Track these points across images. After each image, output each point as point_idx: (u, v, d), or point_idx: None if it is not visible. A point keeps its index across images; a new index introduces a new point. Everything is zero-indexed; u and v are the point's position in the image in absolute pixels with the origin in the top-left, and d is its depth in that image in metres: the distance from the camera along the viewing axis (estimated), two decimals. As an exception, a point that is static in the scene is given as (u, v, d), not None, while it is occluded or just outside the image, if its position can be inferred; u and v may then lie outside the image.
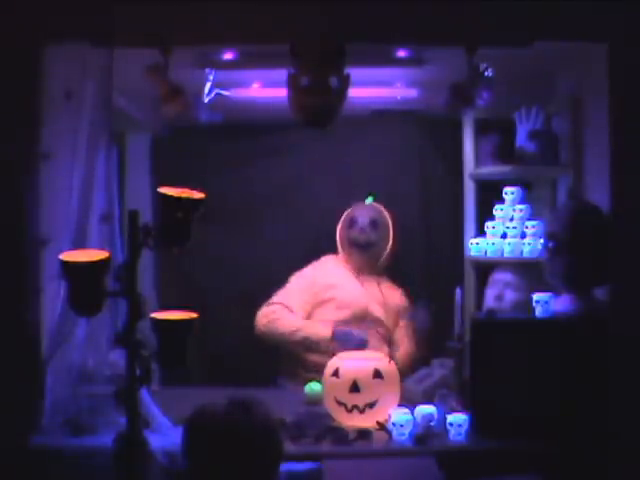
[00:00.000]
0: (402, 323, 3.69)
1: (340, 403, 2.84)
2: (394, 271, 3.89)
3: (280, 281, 3.75)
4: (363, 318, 3.59)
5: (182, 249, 2.29)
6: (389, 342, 3.49)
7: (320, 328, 3.52)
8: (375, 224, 3.76)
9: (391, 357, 3.03)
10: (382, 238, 3.76)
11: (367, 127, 4.12)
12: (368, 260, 3.75)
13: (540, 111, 3.51)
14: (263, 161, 4.15)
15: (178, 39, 2.72)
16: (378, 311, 3.64)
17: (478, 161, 3.66)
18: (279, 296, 3.66)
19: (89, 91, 2.79)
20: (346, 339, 3.40)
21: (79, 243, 2.72)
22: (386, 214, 3.82)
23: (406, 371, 3.28)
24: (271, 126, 3.98)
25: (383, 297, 3.69)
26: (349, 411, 2.82)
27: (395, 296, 3.75)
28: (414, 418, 2.72)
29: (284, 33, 2.72)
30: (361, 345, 3.36)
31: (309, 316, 3.66)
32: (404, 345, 3.64)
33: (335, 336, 3.44)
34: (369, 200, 3.87)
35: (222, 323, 4.00)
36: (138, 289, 2.25)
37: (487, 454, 2.64)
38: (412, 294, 4.06)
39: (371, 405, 2.81)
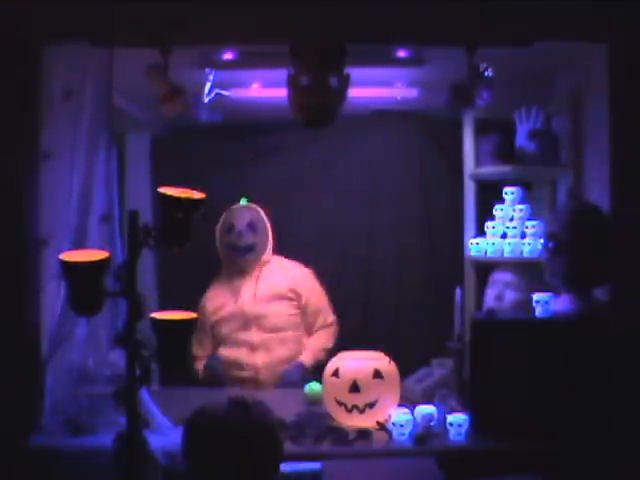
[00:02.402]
0: (313, 304, 3.75)
1: (340, 403, 2.84)
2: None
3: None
4: (249, 321, 3.63)
5: (182, 249, 2.29)
6: (300, 325, 3.67)
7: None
8: (252, 226, 3.74)
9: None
10: (261, 238, 3.76)
11: (367, 127, 4.12)
12: (249, 261, 3.74)
13: (540, 111, 3.51)
14: (263, 161, 4.16)
15: (178, 39, 2.72)
16: (269, 306, 3.65)
17: (478, 161, 3.66)
18: (193, 346, 3.63)
19: (89, 91, 2.79)
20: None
21: (79, 243, 2.72)
22: (262, 213, 3.79)
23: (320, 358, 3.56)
24: (271, 126, 3.98)
25: (268, 289, 3.69)
26: (349, 411, 2.82)
27: (285, 278, 3.74)
28: (414, 418, 2.72)
29: (284, 33, 2.72)
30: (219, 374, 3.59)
31: (216, 340, 3.72)
32: (317, 336, 3.74)
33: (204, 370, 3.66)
34: (243, 201, 3.83)
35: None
36: (138, 289, 2.25)
37: (487, 454, 2.64)
38: (413, 294, 4.10)
39: (371, 405, 2.81)
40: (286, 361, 3.61)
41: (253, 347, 3.60)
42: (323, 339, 3.73)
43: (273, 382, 3.57)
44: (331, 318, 3.79)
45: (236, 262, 3.75)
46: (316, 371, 3.41)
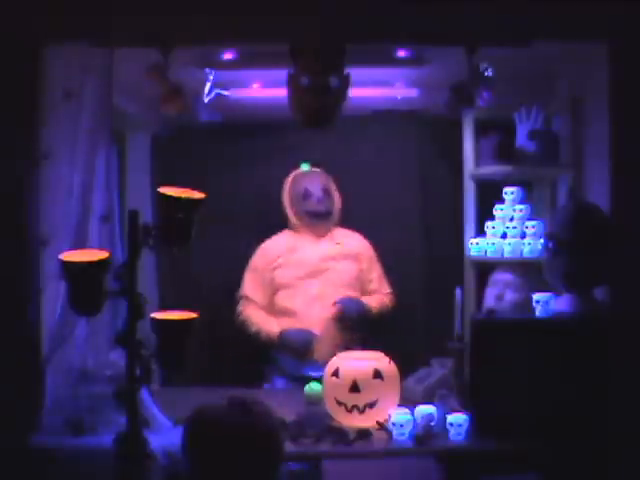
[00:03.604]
0: (374, 271, 3.84)
1: (340, 403, 2.84)
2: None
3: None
4: (320, 272, 3.69)
5: (182, 249, 2.29)
6: (357, 287, 3.74)
7: (272, 326, 3.67)
8: (327, 192, 3.83)
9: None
10: (333, 202, 3.85)
11: (367, 127, 4.12)
12: (327, 226, 3.83)
13: (540, 111, 3.52)
14: (263, 161, 4.16)
15: (178, 39, 2.72)
16: (335, 263, 3.73)
17: (478, 161, 3.66)
18: (243, 287, 3.80)
19: (89, 91, 2.79)
20: (287, 344, 3.59)
21: (79, 243, 2.72)
22: (329, 177, 3.89)
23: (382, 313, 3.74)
24: (271, 126, 3.98)
25: (340, 248, 3.79)
26: (349, 411, 2.82)
27: (352, 242, 3.85)
28: (414, 418, 2.72)
29: (284, 33, 2.71)
30: (305, 346, 3.56)
31: (271, 289, 3.75)
32: (377, 295, 3.81)
33: (280, 338, 3.62)
34: (306, 167, 3.91)
35: (222, 323, 4.01)
36: (138, 289, 2.25)
37: (487, 454, 2.64)
38: (412, 294, 4.10)
39: (371, 405, 2.81)
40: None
41: (312, 298, 3.66)
42: (382, 298, 3.81)
43: (323, 339, 3.60)
44: (387, 289, 3.85)
45: (310, 226, 3.81)
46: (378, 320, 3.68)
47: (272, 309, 3.75)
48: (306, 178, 3.86)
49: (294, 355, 3.58)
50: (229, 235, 4.11)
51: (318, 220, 3.79)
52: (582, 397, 2.68)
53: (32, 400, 2.68)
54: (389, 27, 2.73)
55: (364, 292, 3.80)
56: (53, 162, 2.75)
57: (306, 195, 3.80)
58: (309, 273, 3.70)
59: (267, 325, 3.69)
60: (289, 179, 3.89)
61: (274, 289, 3.75)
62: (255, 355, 3.80)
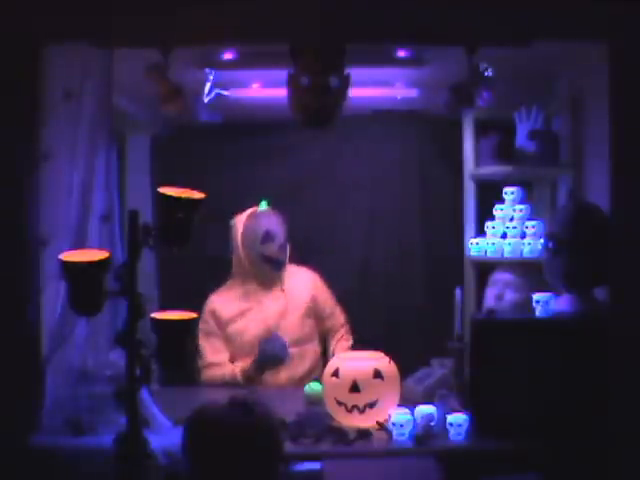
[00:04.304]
0: (327, 306, 3.73)
1: (340, 403, 2.84)
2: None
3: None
4: (278, 328, 3.55)
5: (182, 249, 2.29)
6: (315, 326, 3.65)
7: (239, 365, 3.52)
8: (286, 238, 3.65)
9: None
10: (288, 250, 3.68)
11: (367, 127, 4.13)
12: (279, 274, 3.66)
13: (540, 111, 3.52)
14: (263, 161, 4.16)
15: (178, 39, 2.72)
16: (289, 321, 3.59)
17: (478, 161, 3.67)
18: (205, 354, 3.55)
19: (89, 91, 2.79)
20: (265, 358, 3.46)
21: (79, 243, 2.72)
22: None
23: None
24: (271, 126, 3.99)
25: (290, 299, 3.63)
26: (349, 411, 2.82)
27: (301, 287, 3.69)
28: (414, 418, 2.72)
29: (284, 33, 2.71)
30: (283, 349, 3.46)
31: (231, 343, 3.59)
32: (341, 342, 3.73)
33: (254, 361, 3.48)
34: (264, 206, 3.69)
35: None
36: (138, 289, 2.25)
37: (487, 454, 2.64)
38: (413, 293, 4.10)
39: (371, 405, 2.81)
40: (306, 376, 3.52)
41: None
42: (345, 343, 3.72)
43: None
44: (343, 317, 3.78)
45: (265, 273, 3.63)
46: None
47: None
48: (266, 219, 3.62)
49: (275, 362, 3.48)
50: (228, 235, 4.11)
51: (274, 268, 3.60)
52: (582, 397, 2.68)
53: (32, 400, 2.68)
54: (389, 27, 2.73)
55: (324, 331, 3.73)
56: (53, 162, 2.74)
57: (267, 238, 3.58)
58: (269, 330, 3.53)
59: (236, 368, 3.51)
60: (243, 217, 3.65)
61: (233, 349, 3.57)
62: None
